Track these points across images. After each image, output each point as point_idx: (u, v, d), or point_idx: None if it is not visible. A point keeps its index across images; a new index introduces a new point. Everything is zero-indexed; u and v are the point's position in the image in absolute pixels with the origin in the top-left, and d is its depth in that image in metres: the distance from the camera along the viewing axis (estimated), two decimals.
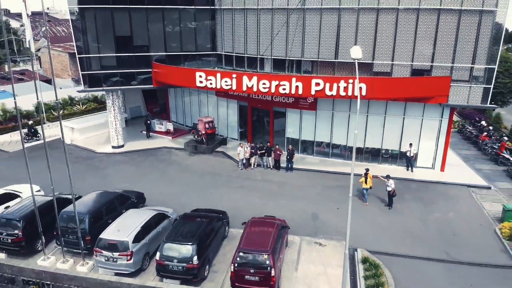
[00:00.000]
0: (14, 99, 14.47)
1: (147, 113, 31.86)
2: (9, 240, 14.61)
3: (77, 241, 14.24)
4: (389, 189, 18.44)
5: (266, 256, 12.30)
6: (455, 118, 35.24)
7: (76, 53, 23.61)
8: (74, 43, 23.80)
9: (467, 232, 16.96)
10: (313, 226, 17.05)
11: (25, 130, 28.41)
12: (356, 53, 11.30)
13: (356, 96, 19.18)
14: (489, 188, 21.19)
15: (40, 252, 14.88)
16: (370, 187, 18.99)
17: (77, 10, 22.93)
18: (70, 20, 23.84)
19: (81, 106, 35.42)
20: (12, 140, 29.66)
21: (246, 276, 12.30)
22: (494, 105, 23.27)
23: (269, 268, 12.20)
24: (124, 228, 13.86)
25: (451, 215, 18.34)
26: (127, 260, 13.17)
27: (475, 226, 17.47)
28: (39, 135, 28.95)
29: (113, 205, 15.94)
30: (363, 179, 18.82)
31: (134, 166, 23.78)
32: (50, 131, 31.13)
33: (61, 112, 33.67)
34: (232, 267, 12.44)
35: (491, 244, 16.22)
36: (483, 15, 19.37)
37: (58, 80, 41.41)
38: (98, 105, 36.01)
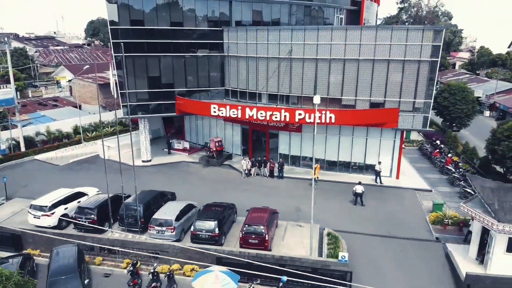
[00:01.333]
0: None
1: (168, 135, 39.07)
2: (86, 222, 21.47)
3: (134, 222, 21.15)
4: (358, 191, 25.37)
5: (262, 227, 19.22)
6: (419, 137, 42.69)
7: (119, 89, 30.83)
8: (114, 79, 31.04)
9: (405, 219, 23.94)
10: (296, 215, 23.99)
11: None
12: (316, 100, 18.51)
13: (328, 123, 26.50)
14: (431, 191, 28.24)
15: (107, 231, 21.73)
16: (317, 177, 26.60)
17: (121, 57, 30.35)
18: (114, 63, 31.02)
19: (109, 128, 42.65)
20: (57, 156, 36.58)
21: (249, 240, 19.18)
22: (431, 129, 30.63)
23: (264, 235, 19.10)
24: (168, 212, 20.84)
25: (397, 208, 25.36)
26: (171, 232, 20.07)
27: (412, 216, 24.47)
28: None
29: (156, 199, 22.92)
30: (313, 171, 25.95)
31: (162, 175, 30.82)
32: (87, 149, 38.31)
33: (93, 133, 41.09)
34: (241, 234, 19.36)
35: (420, 227, 23.19)
36: (421, 63, 26.83)
37: (87, 106, 48.73)
38: (123, 128, 43.27)
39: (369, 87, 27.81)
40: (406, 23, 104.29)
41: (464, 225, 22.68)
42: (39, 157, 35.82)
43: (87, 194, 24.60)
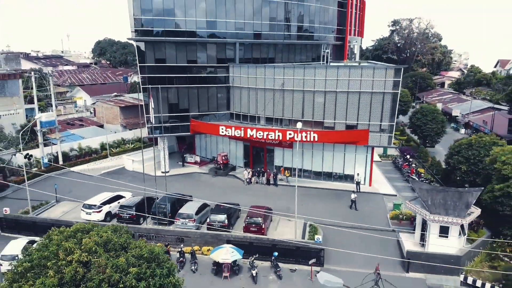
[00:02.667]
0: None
1: (183, 150, 46.31)
2: (127, 217, 28.45)
3: (164, 217, 28.15)
4: (352, 198, 32.34)
5: (260, 219, 26.23)
6: (395, 152, 49.85)
7: (145, 113, 38.10)
8: (150, 108, 38.38)
9: (372, 216, 30.93)
10: (287, 212, 30.94)
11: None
12: (299, 125, 25.75)
13: (312, 141, 33.73)
14: (395, 195, 35.27)
15: (142, 224, 28.69)
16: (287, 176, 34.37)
17: (148, 87, 37.78)
18: (142, 96, 38.39)
19: (130, 145, 49.86)
20: (89, 168, 43.63)
21: (250, 228, 26.18)
22: (394, 145, 37.82)
23: (261, 225, 26.10)
24: (190, 208, 27.93)
25: (366, 208, 32.37)
26: (192, 223, 27.07)
27: (377, 213, 31.46)
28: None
29: (180, 200, 29.95)
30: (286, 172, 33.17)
31: (179, 183, 37.90)
32: (113, 162, 45.43)
33: (117, 149, 48.27)
34: (244, 224, 26.37)
35: (382, 221, 30.17)
36: (385, 94, 34.15)
37: (110, 126, 56.04)
38: (142, 144, 50.41)
39: (344, 112, 35.10)
40: (398, 44, 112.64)
41: (414, 219, 29.61)
42: (74, 169, 42.92)
43: (124, 197, 31.65)
